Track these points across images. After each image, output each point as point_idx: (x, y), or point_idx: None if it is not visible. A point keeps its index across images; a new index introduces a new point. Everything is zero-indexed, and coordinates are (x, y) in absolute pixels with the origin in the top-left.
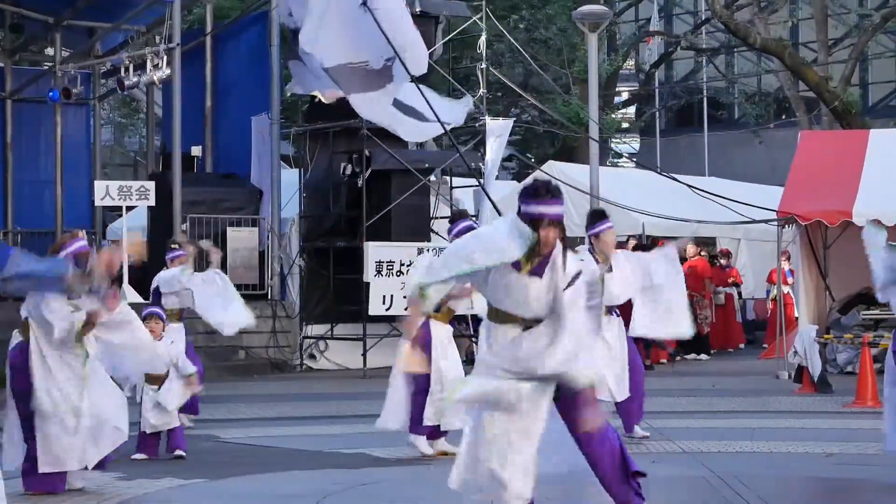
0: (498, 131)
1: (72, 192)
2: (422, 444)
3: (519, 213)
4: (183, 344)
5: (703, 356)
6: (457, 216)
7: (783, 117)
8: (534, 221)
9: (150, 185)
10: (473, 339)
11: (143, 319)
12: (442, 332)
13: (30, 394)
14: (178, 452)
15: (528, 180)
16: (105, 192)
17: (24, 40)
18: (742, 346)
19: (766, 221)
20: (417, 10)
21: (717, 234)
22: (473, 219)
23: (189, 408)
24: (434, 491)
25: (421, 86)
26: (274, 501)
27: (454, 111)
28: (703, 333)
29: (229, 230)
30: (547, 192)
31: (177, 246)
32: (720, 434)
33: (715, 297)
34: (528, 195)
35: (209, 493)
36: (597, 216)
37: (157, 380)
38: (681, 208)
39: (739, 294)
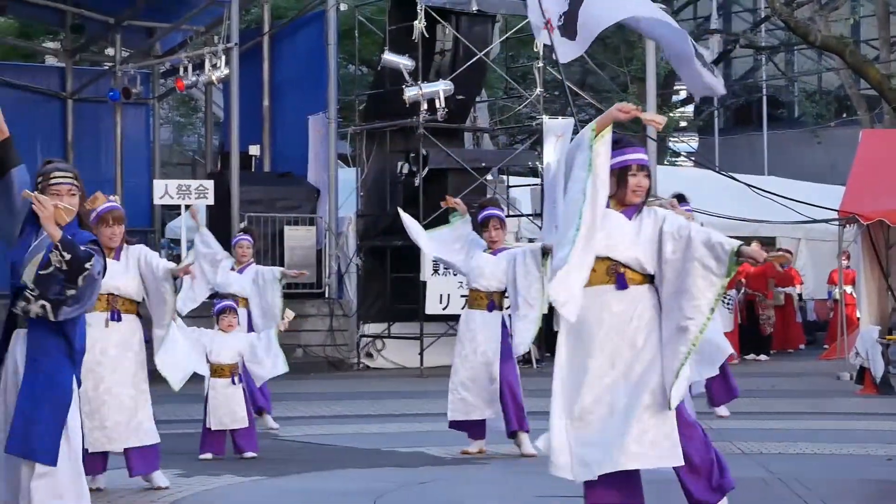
0: (559, 130)
1: (131, 191)
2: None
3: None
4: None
5: (763, 357)
6: (486, 203)
7: (844, 116)
8: (623, 170)
9: (209, 184)
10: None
11: (220, 314)
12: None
13: None
14: (249, 454)
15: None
16: (164, 191)
17: (84, 41)
18: (802, 347)
19: (826, 221)
20: (474, 9)
21: (777, 234)
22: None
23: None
24: (490, 490)
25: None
26: (331, 499)
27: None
28: (766, 334)
29: (287, 229)
30: (626, 141)
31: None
32: (780, 435)
33: (775, 298)
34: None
35: (267, 490)
36: (678, 198)
37: (224, 371)
38: (740, 208)
39: (799, 295)
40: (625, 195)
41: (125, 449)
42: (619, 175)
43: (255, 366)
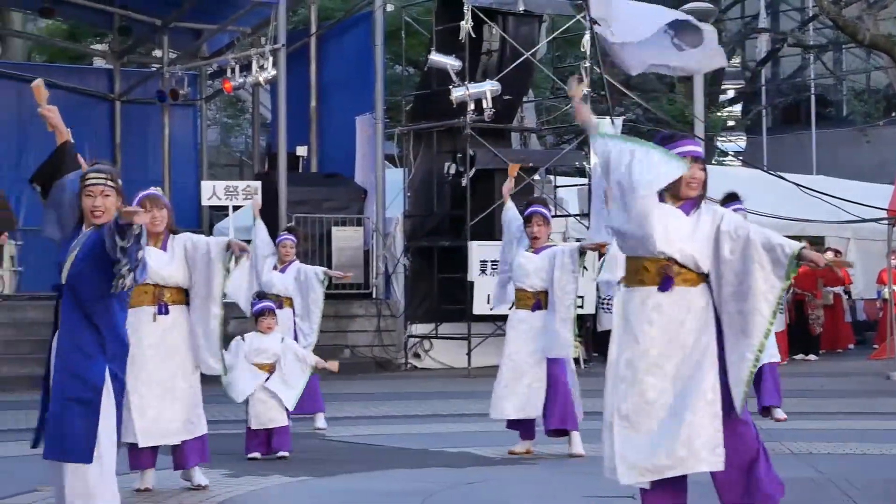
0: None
1: (179, 192)
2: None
3: None
4: (290, 333)
5: (812, 357)
6: (533, 201)
7: (892, 115)
8: None
9: (257, 185)
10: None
11: (259, 315)
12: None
13: None
14: (282, 453)
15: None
16: (212, 191)
17: (132, 43)
18: (851, 346)
19: (875, 220)
20: (521, 9)
21: (826, 234)
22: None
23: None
24: (538, 490)
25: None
26: (379, 499)
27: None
28: (815, 333)
29: (334, 229)
30: (679, 135)
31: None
32: (829, 436)
33: (824, 297)
34: (663, 142)
35: (315, 490)
36: (731, 198)
37: (263, 371)
38: (788, 207)
39: (848, 294)
40: (679, 188)
41: (180, 442)
42: None
43: (277, 381)
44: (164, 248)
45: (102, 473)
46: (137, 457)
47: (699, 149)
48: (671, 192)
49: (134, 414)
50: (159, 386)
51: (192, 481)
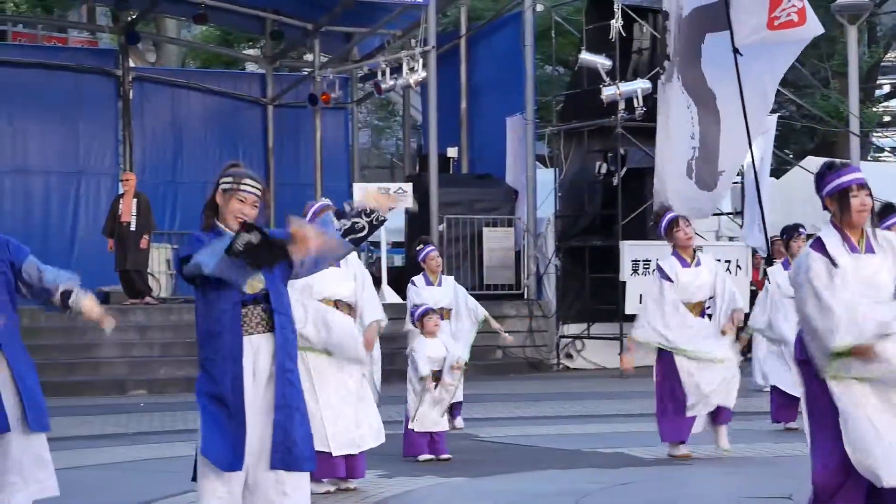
0: (762, 127)
1: (331, 195)
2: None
3: (823, 195)
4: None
5: None
6: (660, 212)
7: None
8: (843, 192)
9: (408, 187)
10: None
11: (423, 317)
12: None
13: None
14: (444, 456)
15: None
16: (363, 194)
17: (284, 47)
18: None
19: None
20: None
21: None
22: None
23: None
24: (694, 490)
25: None
26: (533, 500)
27: None
28: None
29: (485, 230)
30: (839, 164)
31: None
32: None
33: None
34: (825, 174)
35: (469, 491)
36: (888, 209)
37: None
38: None
39: None
40: (850, 218)
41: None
42: (840, 198)
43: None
44: (337, 264)
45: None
46: (329, 466)
47: (862, 175)
48: (846, 223)
49: (326, 423)
50: (352, 395)
51: (349, 485)
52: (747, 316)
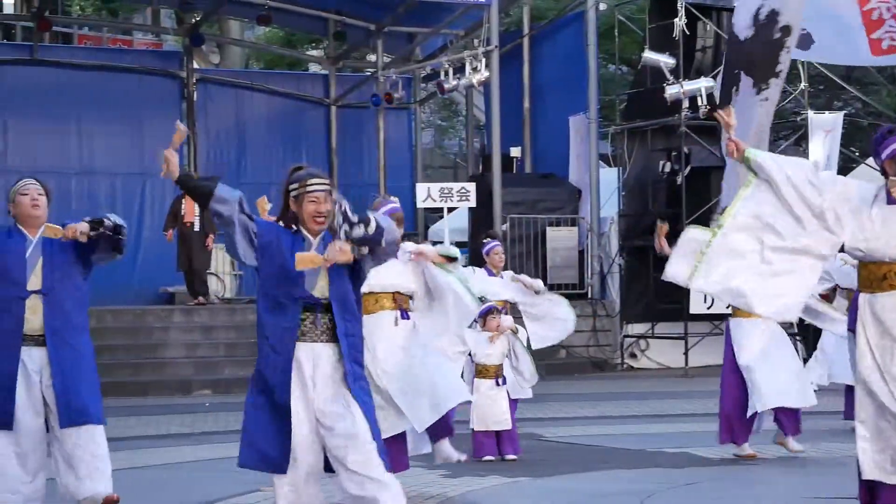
0: (827, 126)
1: (394, 195)
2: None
3: (882, 158)
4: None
5: None
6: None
7: None
8: None
9: (471, 187)
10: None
11: (486, 315)
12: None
13: None
14: (510, 456)
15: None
16: (427, 194)
17: (346, 48)
18: None
19: None
20: (735, 4)
21: None
22: None
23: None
24: (759, 491)
25: None
26: (597, 500)
27: None
28: None
29: (549, 230)
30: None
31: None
32: None
33: None
34: (885, 137)
35: (533, 491)
36: None
37: (489, 373)
38: None
39: None
40: None
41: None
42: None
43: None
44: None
45: None
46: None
47: None
48: None
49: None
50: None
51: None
52: None
